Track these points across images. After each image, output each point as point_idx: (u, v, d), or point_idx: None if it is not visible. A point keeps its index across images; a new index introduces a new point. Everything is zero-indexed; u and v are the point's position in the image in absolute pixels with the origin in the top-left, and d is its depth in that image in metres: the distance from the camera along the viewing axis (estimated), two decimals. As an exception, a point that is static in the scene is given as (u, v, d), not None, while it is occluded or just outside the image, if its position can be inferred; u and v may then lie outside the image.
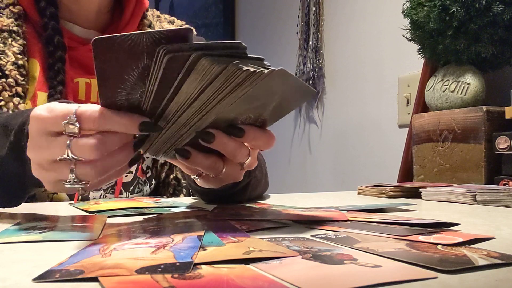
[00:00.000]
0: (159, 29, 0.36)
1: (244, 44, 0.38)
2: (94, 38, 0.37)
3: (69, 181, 0.43)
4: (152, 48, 0.37)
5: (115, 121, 0.41)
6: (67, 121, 0.41)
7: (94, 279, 0.25)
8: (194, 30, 0.95)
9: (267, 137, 0.48)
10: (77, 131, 0.42)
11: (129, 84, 0.39)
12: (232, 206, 0.60)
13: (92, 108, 0.42)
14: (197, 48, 0.37)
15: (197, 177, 0.52)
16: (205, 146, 0.46)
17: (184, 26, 0.36)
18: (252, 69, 0.37)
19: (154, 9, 0.95)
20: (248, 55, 0.39)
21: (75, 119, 0.41)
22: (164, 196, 0.84)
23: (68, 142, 0.42)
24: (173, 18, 0.98)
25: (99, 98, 0.41)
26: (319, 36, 1.89)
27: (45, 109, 0.44)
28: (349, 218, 0.47)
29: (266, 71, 0.38)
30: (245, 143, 0.48)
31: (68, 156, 0.42)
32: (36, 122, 0.44)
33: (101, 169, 0.43)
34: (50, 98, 0.74)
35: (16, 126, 0.49)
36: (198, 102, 0.41)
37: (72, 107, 0.42)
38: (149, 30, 0.36)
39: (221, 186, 0.54)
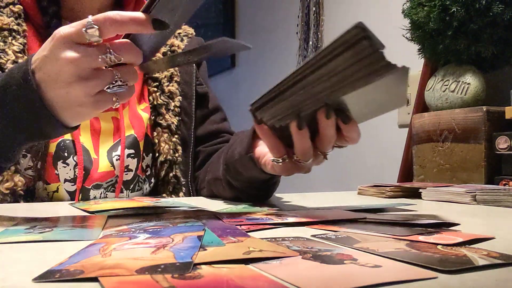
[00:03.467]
0: None
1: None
2: None
3: (114, 83, 0.47)
4: None
5: (124, 16, 0.45)
6: (86, 27, 0.45)
7: (94, 279, 0.25)
8: (193, 30, 0.95)
9: (359, 133, 0.49)
10: (97, 34, 0.45)
11: None
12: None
13: (104, 14, 0.45)
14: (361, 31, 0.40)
15: (279, 160, 0.52)
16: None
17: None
18: (391, 62, 0.40)
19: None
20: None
21: (92, 22, 0.45)
22: (164, 195, 0.84)
23: (107, 44, 0.46)
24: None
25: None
26: (319, 36, 1.89)
27: (66, 27, 0.47)
28: (349, 218, 0.47)
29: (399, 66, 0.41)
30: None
31: (110, 58, 0.46)
32: (63, 38, 0.46)
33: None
34: None
35: (19, 74, 0.49)
36: (335, 78, 0.43)
37: (87, 18, 0.46)
38: None
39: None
